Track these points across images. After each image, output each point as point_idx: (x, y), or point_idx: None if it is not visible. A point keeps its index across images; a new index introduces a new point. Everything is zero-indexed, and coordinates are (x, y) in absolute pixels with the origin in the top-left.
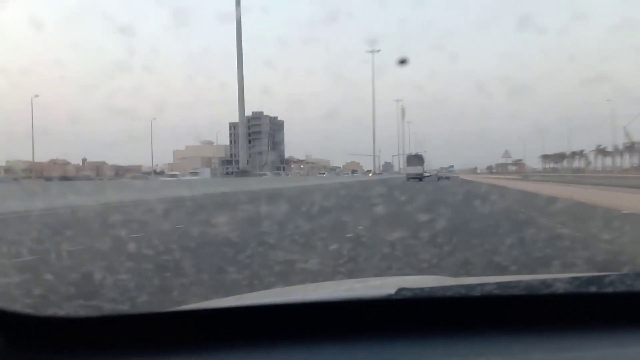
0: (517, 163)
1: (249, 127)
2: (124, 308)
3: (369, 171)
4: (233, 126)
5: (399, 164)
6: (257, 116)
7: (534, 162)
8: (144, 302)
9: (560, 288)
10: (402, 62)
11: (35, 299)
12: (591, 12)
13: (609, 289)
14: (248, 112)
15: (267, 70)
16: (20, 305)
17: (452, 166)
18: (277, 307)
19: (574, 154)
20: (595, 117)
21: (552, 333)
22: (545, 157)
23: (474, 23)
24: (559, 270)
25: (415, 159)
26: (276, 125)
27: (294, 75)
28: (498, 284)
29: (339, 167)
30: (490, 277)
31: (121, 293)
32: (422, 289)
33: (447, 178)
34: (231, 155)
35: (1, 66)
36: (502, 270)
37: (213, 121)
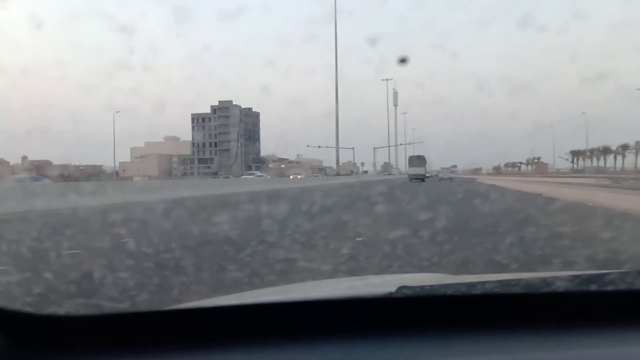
0: (535, 162)
1: (215, 119)
2: (124, 306)
3: (296, 170)
4: (196, 118)
5: (389, 158)
6: (225, 105)
7: (549, 160)
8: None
9: (560, 286)
10: (403, 61)
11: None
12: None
13: (610, 287)
14: (214, 102)
15: (265, 68)
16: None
17: (455, 166)
18: (278, 305)
19: (625, 147)
20: (597, 115)
21: (553, 331)
22: (577, 154)
23: (475, 22)
24: (559, 268)
25: (417, 160)
26: (250, 118)
27: (293, 74)
28: (499, 282)
29: (331, 168)
30: (490, 275)
31: None
32: (422, 287)
33: (450, 179)
34: (193, 152)
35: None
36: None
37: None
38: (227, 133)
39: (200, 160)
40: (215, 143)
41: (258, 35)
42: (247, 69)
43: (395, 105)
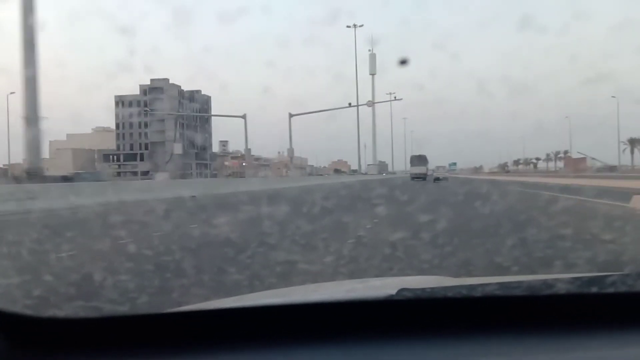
0: (562, 157)
1: (145, 103)
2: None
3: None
4: (121, 102)
5: (361, 155)
6: (158, 85)
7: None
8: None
9: (561, 288)
10: (403, 62)
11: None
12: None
13: (611, 290)
14: (146, 80)
15: (266, 69)
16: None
17: (455, 164)
18: (278, 308)
19: None
20: (597, 116)
21: (554, 333)
22: (637, 142)
23: (476, 22)
24: (560, 271)
25: (418, 159)
26: (196, 103)
27: (293, 75)
28: (499, 284)
29: (312, 166)
30: (491, 278)
31: None
32: (423, 290)
33: (445, 179)
34: (117, 146)
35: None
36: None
37: None
38: (161, 121)
39: (127, 157)
40: (147, 134)
41: (258, 35)
42: (246, 69)
43: (373, 74)
